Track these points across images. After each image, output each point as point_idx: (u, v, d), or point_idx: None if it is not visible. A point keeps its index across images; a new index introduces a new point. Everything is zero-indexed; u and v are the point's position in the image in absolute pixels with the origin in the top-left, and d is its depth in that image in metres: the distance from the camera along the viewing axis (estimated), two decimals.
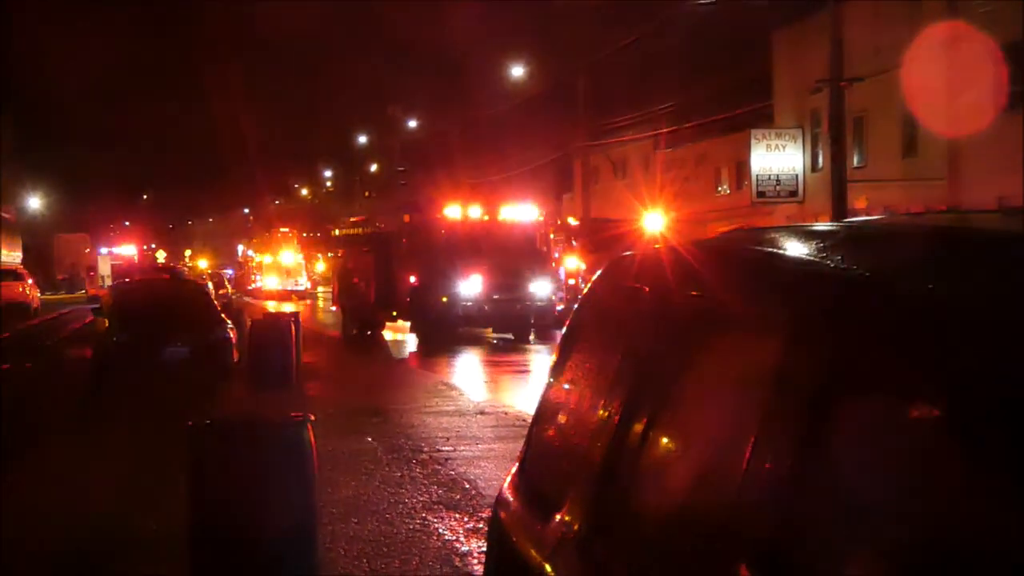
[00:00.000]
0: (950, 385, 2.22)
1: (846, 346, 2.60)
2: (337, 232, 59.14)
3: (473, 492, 14.02)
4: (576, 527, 3.88)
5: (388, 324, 43.96)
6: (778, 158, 47.74)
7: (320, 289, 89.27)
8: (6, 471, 15.31)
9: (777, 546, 2.62)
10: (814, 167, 48.41)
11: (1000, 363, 2.17)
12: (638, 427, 3.63)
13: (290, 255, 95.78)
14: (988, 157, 35.17)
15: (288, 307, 56.07)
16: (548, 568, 3.96)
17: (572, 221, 51.18)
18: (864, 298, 2.67)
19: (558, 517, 4.05)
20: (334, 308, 54.83)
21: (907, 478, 2.28)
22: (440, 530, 12.28)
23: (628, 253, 4.84)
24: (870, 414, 2.44)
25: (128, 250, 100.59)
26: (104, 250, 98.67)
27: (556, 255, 43.55)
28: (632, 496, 3.60)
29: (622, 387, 3.85)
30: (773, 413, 2.76)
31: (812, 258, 3.05)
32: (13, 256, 75.37)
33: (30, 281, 62.08)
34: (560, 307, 38.35)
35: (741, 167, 53.99)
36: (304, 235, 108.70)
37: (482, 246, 38.92)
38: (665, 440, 3.51)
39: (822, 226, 3.63)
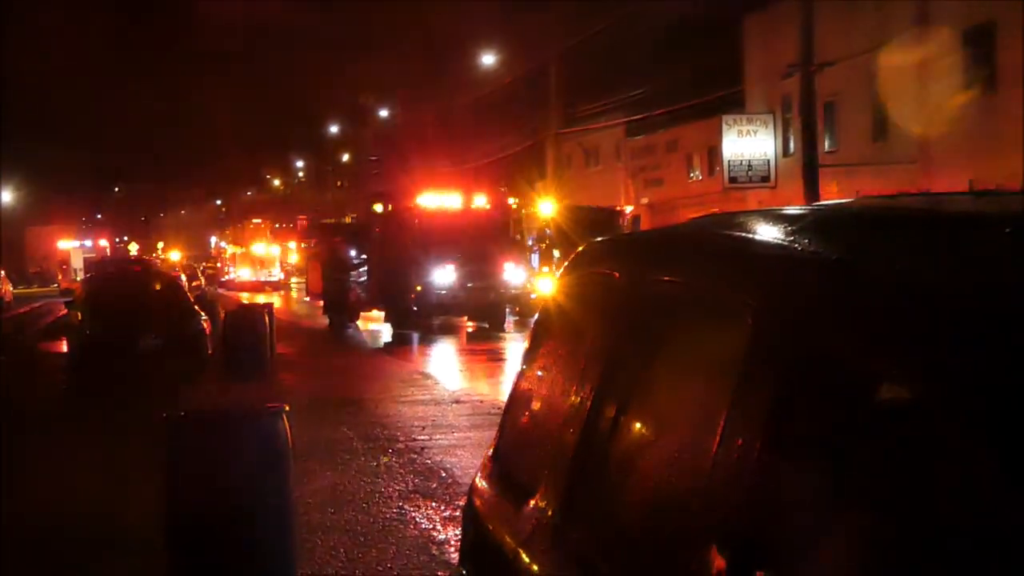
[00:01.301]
0: (922, 368, 2.23)
1: (815, 330, 2.61)
2: (303, 221, 59.05)
3: (449, 480, 14.04)
4: (550, 512, 3.89)
5: (363, 314, 43.93)
6: (750, 143, 47.76)
7: (294, 280, 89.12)
8: None
9: (747, 528, 2.64)
10: (786, 152, 48.46)
11: (972, 345, 2.18)
12: (609, 413, 3.65)
13: (263, 246, 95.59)
14: (959, 141, 35.27)
15: (262, 298, 55.96)
16: (523, 553, 3.98)
17: (545, 208, 51.13)
18: (833, 281, 2.68)
19: (532, 503, 4.06)
20: (307, 299, 54.78)
21: (877, 462, 2.29)
22: (417, 519, 12.30)
23: (599, 239, 4.85)
24: (839, 398, 2.45)
25: (100, 243, 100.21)
26: (77, 243, 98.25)
27: (529, 243, 43.54)
28: (605, 481, 3.62)
29: (593, 373, 3.86)
30: (742, 397, 2.77)
31: (781, 242, 3.06)
32: None
33: (2, 275, 61.86)
34: (533, 295, 38.34)
35: (713, 153, 54.01)
36: (277, 226, 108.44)
37: (455, 234, 38.86)
38: (636, 425, 3.52)
39: (791, 210, 3.63)
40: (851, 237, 2.98)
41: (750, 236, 3.31)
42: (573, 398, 3.98)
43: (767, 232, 3.25)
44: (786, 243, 3.03)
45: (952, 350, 2.20)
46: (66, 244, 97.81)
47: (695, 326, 3.35)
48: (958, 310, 2.28)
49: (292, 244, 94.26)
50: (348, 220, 48.39)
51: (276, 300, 55.78)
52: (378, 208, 42.93)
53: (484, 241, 38.62)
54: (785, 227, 3.18)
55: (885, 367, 2.31)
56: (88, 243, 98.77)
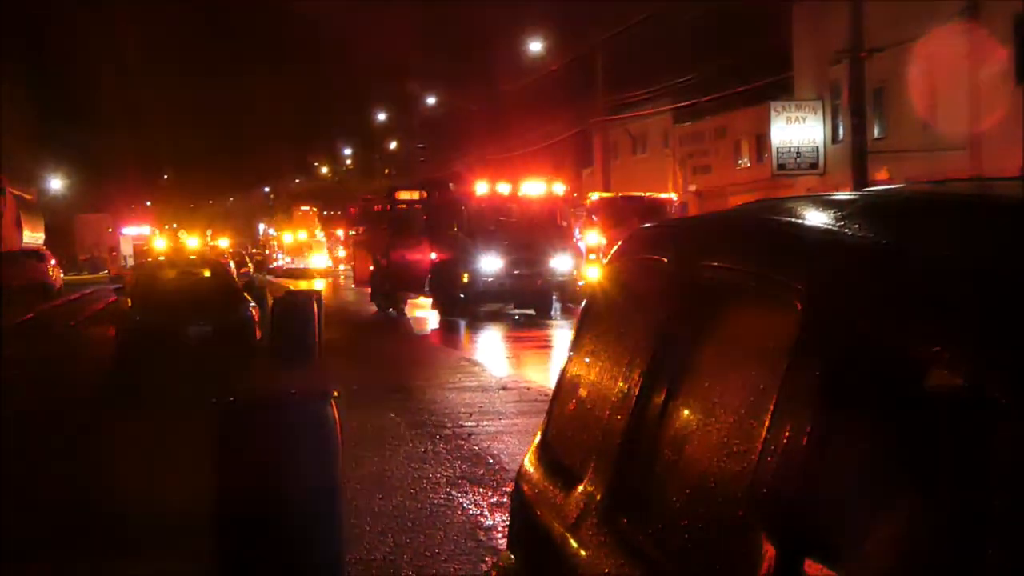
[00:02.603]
0: (973, 354, 2.22)
1: (865, 315, 2.60)
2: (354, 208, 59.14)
3: (496, 467, 14.06)
4: (599, 497, 3.90)
5: (410, 301, 44.03)
6: (798, 130, 47.61)
7: (341, 267, 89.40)
8: (32, 451, 15.40)
9: (797, 516, 2.63)
10: (835, 139, 48.24)
11: (1022, 332, 2.17)
12: (658, 398, 3.64)
13: (311, 233, 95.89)
14: (1009, 128, 35.00)
15: (309, 285, 56.17)
16: (571, 539, 3.98)
17: (592, 196, 51.06)
18: (883, 266, 2.67)
19: (580, 488, 4.06)
20: (355, 286, 54.93)
21: (927, 449, 2.28)
22: (464, 504, 12.32)
23: (647, 225, 4.84)
24: (889, 384, 2.44)
25: (148, 230, 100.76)
26: (128, 230, 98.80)
27: (576, 230, 43.51)
28: (653, 466, 3.62)
29: (642, 359, 3.86)
30: (791, 383, 2.77)
31: (830, 227, 3.05)
32: (36, 237, 75.53)
33: (53, 262, 62.27)
34: (581, 282, 38.32)
35: (761, 140, 53.80)
36: (325, 213, 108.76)
37: (502, 222, 38.90)
38: (685, 411, 3.52)
39: (841, 195, 3.62)
40: (900, 222, 2.97)
41: (799, 221, 3.30)
42: (621, 384, 3.98)
43: (816, 217, 3.24)
44: (835, 228, 3.02)
45: (1004, 335, 2.19)
46: (127, 231, 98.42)
47: (744, 312, 3.35)
48: (1009, 294, 2.27)
49: (340, 232, 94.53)
50: (382, 206, 48.31)
51: (324, 287, 55.96)
52: (426, 195, 42.99)
53: (531, 229, 38.63)
54: (834, 212, 3.17)
55: (935, 353, 2.30)
56: (138, 230, 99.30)
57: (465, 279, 38.15)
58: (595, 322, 4.75)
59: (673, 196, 51.16)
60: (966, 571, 2.08)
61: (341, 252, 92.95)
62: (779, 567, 2.60)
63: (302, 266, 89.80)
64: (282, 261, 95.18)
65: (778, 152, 47.75)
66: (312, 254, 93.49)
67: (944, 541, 2.17)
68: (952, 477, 2.18)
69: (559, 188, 41.23)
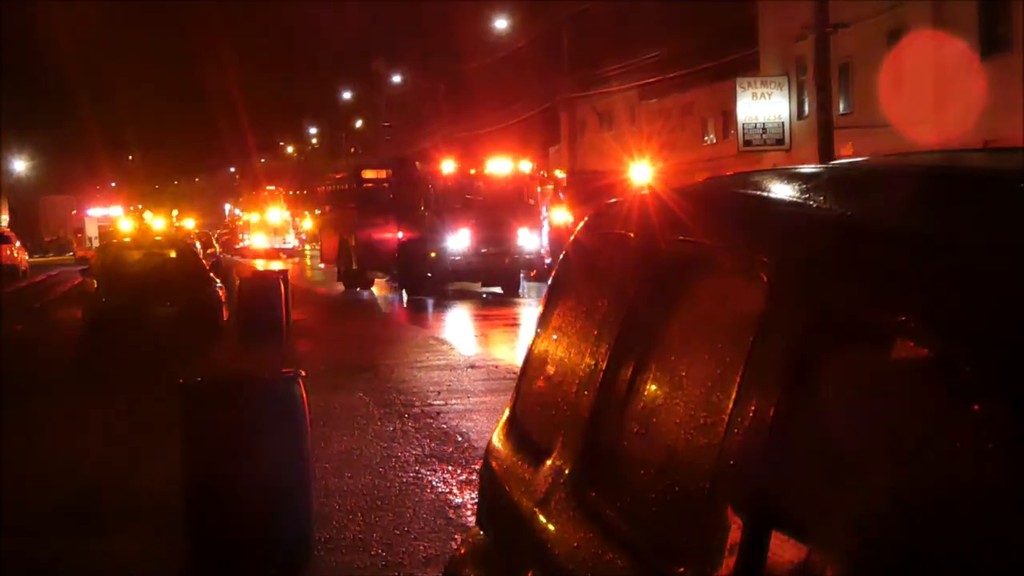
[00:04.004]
0: (937, 326, 2.22)
1: (830, 288, 2.60)
2: (323, 189, 59.03)
3: (465, 445, 14.07)
4: (567, 472, 3.90)
5: (377, 280, 43.98)
6: (764, 106, 47.67)
7: (308, 247, 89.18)
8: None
9: (763, 489, 2.64)
10: (800, 115, 48.34)
11: (988, 299, 2.17)
12: (625, 373, 3.64)
13: (277, 213, 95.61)
14: (974, 101, 35.13)
15: (276, 265, 56.00)
16: (540, 514, 3.99)
17: (559, 173, 51.05)
18: (848, 238, 2.67)
19: (548, 463, 4.07)
20: (322, 265, 54.83)
21: (894, 421, 2.28)
22: (433, 482, 12.33)
23: (613, 201, 4.84)
24: (855, 356, 2.45)
25: (115, 211, 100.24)
26: (93, 212, 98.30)
27: (544, 208, 43.50)
28: (621, 441, 3.62)
29: (609, 334, 3.86)
30: (758, 356, 2.77)
31: (796, 200, 3.06)
32: (0, 219, 75.13)
33: (17, 244, 61.99)
34: (548, 260, 38.33)
35: (727, 116, 53.90)
36: (291, 193, 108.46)
37: (469, 200, 38.90)
38: (652, 385, 3.52)
39: (806, 168, 3.63)
40: (865, 194, 2.97)
41: (765, 195, 3.30)
42: (589, 359, 3.98)
43: (782, 190, 3.25)
44: (801, 201, 3.02)
45: (967, 304, 2.19)
46: (80, 212, 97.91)
47: (711, 285, 3.35)
48: (973, 264, 2.27)
49: (306, 212, 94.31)
50: (347, 186, 48.22)
51: (291, 267, 55.84)
52: (391, 173, 42.92)
53: (498, 206, 38.62)
54: (800, 185, 3.17)
55: (901, 323, 2.31)
56: (102, 211, 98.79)
57: (432, 258, 38.14)
58: (562, 298, 4.74)
59: (639, 172, 51.14)
60: (932, 544, 2.08)
61: (307, 230, 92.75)
62: (746, 539, 2.60)
63: (268, 246, 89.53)
64: (248, 241, 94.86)
65: (744, 128, 47.80)
66: (278, 234, 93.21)
67: (910, 513, 2.17)
68: (919, 448, 2.18)
69: (526, 166, 41.19)
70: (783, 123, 47.58)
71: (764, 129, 47.55)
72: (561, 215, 44.21)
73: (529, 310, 32.91)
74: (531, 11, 64.98)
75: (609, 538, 3.44)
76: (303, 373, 9.57)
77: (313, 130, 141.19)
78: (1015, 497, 1.93)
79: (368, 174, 45.57)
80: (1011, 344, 2.06)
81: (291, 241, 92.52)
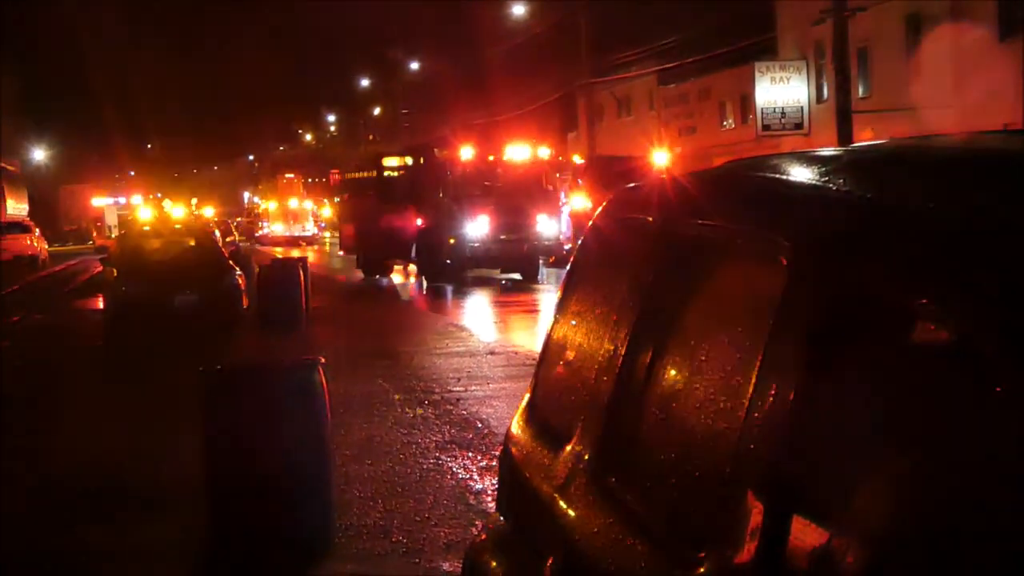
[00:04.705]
0: (958, 306, 2.21)
1: (850, 269, 2.59)
2: (335, 176, 59.00)
3: (485, 431, 14.08)
4: (587, 458, 3.90)
5: (396, 267, 44.01)
6: (783, 91, 47.57)
7: (327, 234, 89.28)
8: (21, 421, 15.39)
9: (784, 473, 2.63)
10: (819, 99, 48.22)
11: (1011, 285, 2.16)
12: (645, 358, 3.64)
13: (296, 201, 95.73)
14: (994, 85, 35.01)
15: (296, 253, 56.09)
16: (560, 499, 3.99)
17: (577, 159, 51.01)
18: (868, 220, 2.66)
19: (568, 449, 4.06)
20: (341, 253, 54.89)
21: (915, 404, 2.27)
22: (454, 469, 12.34)
23: (632, 185, 4.83)
24: (876, 339, 2.44)
25: (135, 200, 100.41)
26: (111, 200, 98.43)
27: (562, 194, 43.47)
28: (640, 426, 3.62)
29: (628, 319, 3.85)
30: (777, 340, 2.76)
31: (815, 182, 3.04)
32: (20, 208, 75.30)
33: (37, 233, 62.16)
34: (567, 245, 38.31)
35: (746, 101, 53.75)
36: (309, 180, 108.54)
37: (488, 186, 38.89)
38: (672, 370, 3.51)
39: (825, 151, 3.61)
40: (885, 176, 2.96)
41: (784, 178, 3.29)
42: (608, 345, 3.97)
43: (801, 173, 3.23)
44: (820, 183, 3.01)
45: (990, 287, 2.18)
46: (100, 201, 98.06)
47: (730, 269, 3.34)
48: (996, 247, 2.26)
49: (325, 198, 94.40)
50: (365, 174, 48.25)
51: (310, 254, 55.93)
52: (411, 160, 42.93)
53: (517, 193, 38.61)
54: (819, 168, 3.16)
55: (921, 305, 2.30)
56: (122, 200, 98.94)
57: (451, 244, 38.14)
58: (581, 284, 4.74)
59: (659, 158, 51.09)
60: (955, 526, 2.08)
61: (326, 218, 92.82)
62: (767, 523, 2.59)
63: (288, 234, 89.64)
64: (267, 229, 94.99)
65: (763, 113, 47.71)
66: (297, 221, 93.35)
67: (933, 496, 2.17)
68: (940, 432, 2.18)
69: (544, 152, 41.15)
70: (802, 107, 47.48)
71: (783, 113, 47.46)
72: (580, 201, 44.18)
73: (548, 296, 32.89)
74: None
75: (629, 523, 3.43)
76: (323, 360, 9.58)
77: (331, 118, 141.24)
78: None
79: (387, 161, 45.58)
80: None
81: (310, 229, 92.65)
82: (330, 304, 32.81)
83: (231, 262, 26.72)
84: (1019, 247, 2.22)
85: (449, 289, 37.37)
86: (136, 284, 23.73)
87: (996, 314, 2.12)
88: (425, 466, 12.49)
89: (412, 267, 41.98)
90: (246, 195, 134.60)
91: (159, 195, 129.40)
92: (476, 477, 11.98)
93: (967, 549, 2.03)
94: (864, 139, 37.31)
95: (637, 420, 3.63)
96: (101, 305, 25.65)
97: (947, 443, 2.15)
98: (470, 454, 12.95)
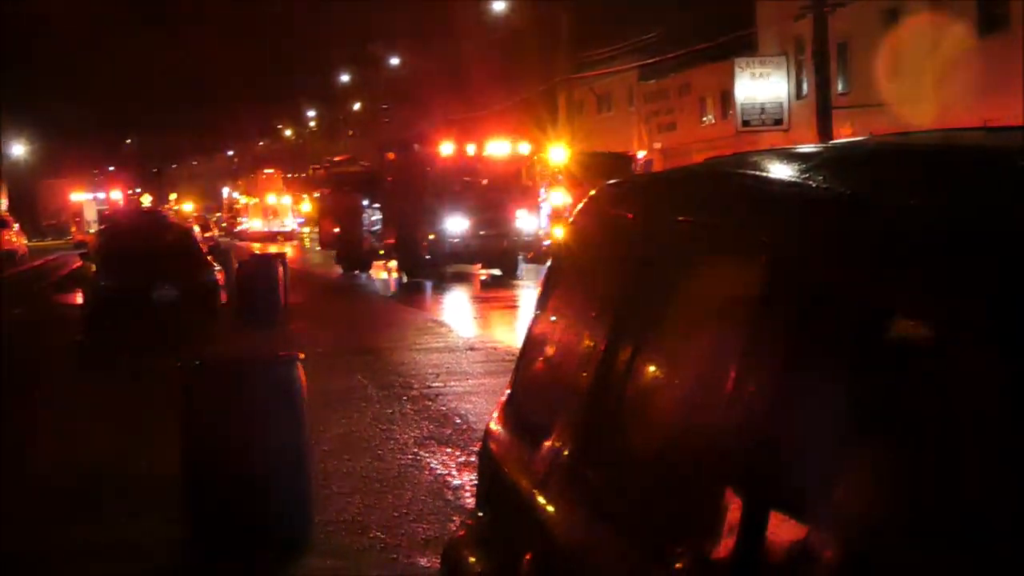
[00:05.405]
0: (935, 303, 2.21)
1: (829, 266, 2.59)
2: (316, 171, 58.97)
3: (464, 426, 14.07)
4: (565, 453, 3.90)
5: (376, 262, 43.97)
6: (763, 86, 47.55)
7: (306, 230, 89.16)
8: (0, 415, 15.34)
9: (762, 468, 2.63)
10: (799, 94, 48.26)
11: (985, 279, 2.16)
12: (624, 354, 3.64)
13: (275, 196, 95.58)
14: (973, 81, 35.09)
15: (275, 248, 56.01)
16: (539, 495, 3.98)
17: (557, 155, 51.00)
18: (847, 217, 2.66)
19: (547, 444, 4.06)
20: (320, 248, 54.83)
21: (891, 398, 2.27)
22: (432, 464, 12.33)
23: (612, 182, 4.83)
24: (855, 334, 2.44)
25: (113, 195, 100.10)
26: (90, 195, 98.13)
27: (542, 189, 43.46)
28: (619, 422, 3.62)
29: (608, 315, 3.85)
30: (756, 336, 2.76)
31: (795, 179, 3.04)
32: None
33: (16, 228, 61.98)
34: (547, 241, 38.32)
35: (726, 96, 53.74)
36: (289, 176, 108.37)
37: (468, 182, 38.85)
38: (651, 366, 3.52)
39: (805, 148, 3.61)
40: (864, 173, 2.96)
41: (764, 175, 3.29)
42: (587, 341, 3.98)
43: (781, 170, 3.24)
44: (800, 180, 3.01)
45: (968, 283, 2.18)
46: (79, 196, 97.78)
47: (710, 265, 3.34)
48: (971, 244, 2.26)
49: (304, 194, 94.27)
50: (346, 169, 48.23)
51: (289, 250, 55.84)
52: (390, 156, 42.90)
53: (496, 188, 38.58)
54: (799, 165, 3.16)
55: (899, 302, 2.30)
56: (101, 195, 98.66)
57: (431, 240, 38.10)
58: (561, 280, 4.74)
59: (639, 154, 51.13)
60: (932, 522, 2.08)
61: (305, 212, 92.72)
62: (745, 519, 2.60)
63: (266, 229, 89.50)
64: (247, 224, 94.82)
65: (742, 108, 47.68)
66: (277, 217, 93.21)
67: (910, 492, 2.17)
68: (917, 428, 2.18)
69: (524, 147, 41.14)
70: (782, 103, 47.47)
71: (763, 109, 47.44)
72: (560, 197, 44.18)
73: (528, 292, 32.89)
74: None
75: (608, 519, 3.44)
76: (302, 356, 9.57)
77: (311, 113, 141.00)
78: (1012, 475, 1.93)
79: (365, 157, 45.47)
80: (1012, 324, 2.05)
81: (289, 224, 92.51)
82: (309, 300, 32.77)
83: (210, 258, 26.67)
84: (998, 244, 2.22)
85: (428, 285, 37.35)
86: (115, 279, 23.65)
87: (974, 311, 2.12)
88: (403, 462, 12.48)
89: (392, 263, 41.93)
90: (225, 190, 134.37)
91: (138, 190, 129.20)
92: (455, 473, 11.97)
93: (943, 544, 2.03)
94: (844, 135, 37.38)
95: (616, 416, 3.63)
96: (80, 300, 25.56)
97: (924, 439, 2.15)
98: (449, 450, 12.94)
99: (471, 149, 39.98)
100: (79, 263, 30.76)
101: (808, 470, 2.50)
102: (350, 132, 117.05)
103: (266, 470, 9.08)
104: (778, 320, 2.68)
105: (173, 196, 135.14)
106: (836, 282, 2.54)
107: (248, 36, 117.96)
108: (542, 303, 4.82)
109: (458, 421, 14.43)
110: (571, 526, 3.66)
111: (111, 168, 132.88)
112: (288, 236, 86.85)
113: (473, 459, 11.89)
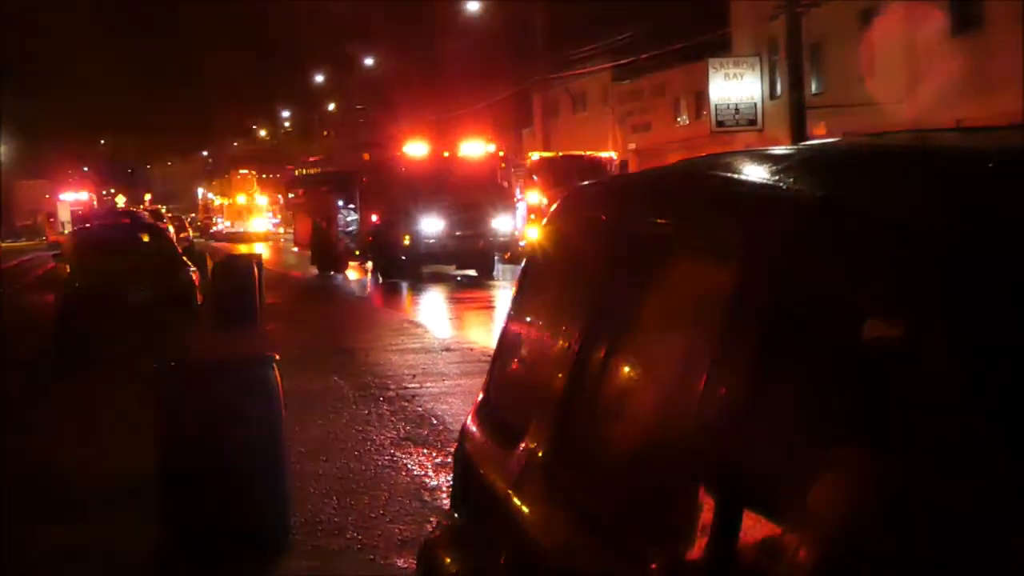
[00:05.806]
0: (907, 304, 2.22)
1: (801, 267, 2.60)
2: (297, 172, 58.93)
3: (440, 427, 14.07)
4: (540, 454, 3.91)
5: (351, 263, 43.93)
6: (737, 87, 47.60)
7: (282, 230, 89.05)
8: None
9: (735, 468, 2.64)
10: (773, 95, 48.36)
11: (958, 281, 2.17)
12: (598, 355, 3.65)
13: (250, 197, 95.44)
14: (947, 80, 35.19)
15: (250, 249, 55.89)
16: (514, 496, 3.99)
17: (532, 156, 51.02)
18: (818, 218, 2.67)
19: (522, 445, 4.07)
20: (296, 249, 54.74)
21: (863, 399, 2.29)
22: (409, 465, 12.33)
23: (586, 183, 4.84)
24: (826, 335, 2.45)
25: (86, 196, 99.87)
26: (64, 196, 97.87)
27: (517, 190, 43.49)
28: (593, 422, 3.63)
29: (581, 316, 3.86)
30: (729, 336, 2.77)
31: (767, 181, 3.05)
32: None
33: None
34: (522, 242, 38.34)
35: (700, 97, 53.84)
36: (264, 176, 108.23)
37: (443, 183, 38.82)
38: (625, 367, 3.53)
39: (778, 149, 3.62)
40: (837, 174, 2.97)
41: (736, 176, 3.30)
42: (562, 342, 3.99)
43: (753, 172, 3.25)
44: (772, 182, 3.02)
45: (937, 286, 2.19)
46: (53, 196, 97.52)
47: (682, 267, 3.35)
48: (943, 245, 2.27)
49: (280, 194, 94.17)
50: (321, 170, 48.27)
51: (265, 250, 55.74)
52: (365, 157, 42.90)
53: (472, 189, 38.58)
54: (771, 166, 3.17)
55: (871, 303, 2.31)
56: (75, 196, 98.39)
57: (406, 241, 38.09)
58: (535, 281, 4.75)
59: (613, 155, 51.15)
60: (905, 521, 2.09)
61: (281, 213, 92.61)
62: (718, 518, 2.61)
63: (242, 230, 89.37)
64: (222, 225, 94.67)
65: (716, 109, 47.72)
66: (252, 217, 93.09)
67: (883, 492, 2.18)
68: (890, 428, 2.19)
69: (499, 148, 41.19)
70: (756, 103, 47.53)
71: (737, 109, 47.49)
72: (535, 197, 44.20)
73: (503, 293, 32.88)
74: None
75: (582, 519, 3.45)
76: (277, 357, 9.56)
77: (286, 113, 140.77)
78: (983, 474, 1.94)
79: (341, 158, 45.46)
80: (982, 326, 2.06)
81: (265, 225, 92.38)
82: (285, 300, 32.72)
83: (185, 258, 26.61)
84: (970, 245, 2.24)
85: (404, 285, 37.33)
86: (89, 280, 23.60)
87: (946, 312, 2.14)
88: (380, 463, 12.48)
89: (367, 263, 41.88)
90: (200, 191, 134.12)
91: (112, 191, 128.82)
92: (431, 474, 11.98)
93: (918, 544, 2.05)
94: (817, 135, 37.47)
95: (591, 417, 3.64)
96: (54, 301, 25.47)
97: (897, 439, 2.16)
98: (425, 451, 12.95)
99: (446, 150, 40.00)
100: (53, 264, 30.65)
101: (781, 470, 2.51)
102: (325, 133, 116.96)
103: (242, 471, 9.07)
104: (750, 321, 2.69)
105: (148, 196, 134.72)
106: (807, 283, 2.55)
107: (223, 36, 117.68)
108: (517, 304, 4.84)
109: (434, 422, 14.43)
110: (546, 527, 3.67)
111: (85, 168, 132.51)
112: (264, 237, 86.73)
113: (449, 460, 11.88)
